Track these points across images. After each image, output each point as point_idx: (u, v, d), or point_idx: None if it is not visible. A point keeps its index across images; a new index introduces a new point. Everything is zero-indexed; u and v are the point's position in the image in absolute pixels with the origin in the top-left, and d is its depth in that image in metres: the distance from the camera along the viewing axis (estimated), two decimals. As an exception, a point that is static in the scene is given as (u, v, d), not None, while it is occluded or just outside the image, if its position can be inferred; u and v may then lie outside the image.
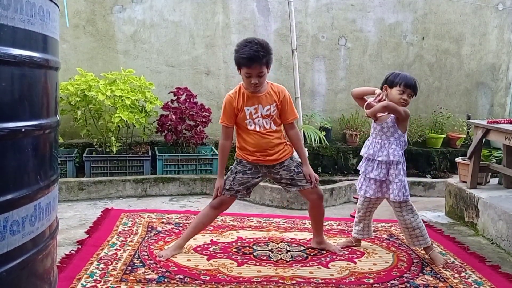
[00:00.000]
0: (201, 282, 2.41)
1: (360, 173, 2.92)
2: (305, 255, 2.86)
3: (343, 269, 2.68)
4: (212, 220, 2.90)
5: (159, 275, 2.46)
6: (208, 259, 2.72)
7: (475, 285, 2.54)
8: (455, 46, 5.83)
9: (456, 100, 5.93)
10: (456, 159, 4.10)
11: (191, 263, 2.65)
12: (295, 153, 2.87)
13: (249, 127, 2.70)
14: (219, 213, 2.88)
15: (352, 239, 3.07)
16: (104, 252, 2.73)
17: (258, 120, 2.70)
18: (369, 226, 3.03)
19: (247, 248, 2.93)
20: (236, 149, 2.82)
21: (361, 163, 2.92)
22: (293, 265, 2.70)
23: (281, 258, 2.79)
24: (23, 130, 1.33)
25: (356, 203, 4.25)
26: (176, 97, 4.56)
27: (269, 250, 2.91)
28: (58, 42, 1.59)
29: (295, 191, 2.85)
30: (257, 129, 2.70)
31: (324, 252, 2.92)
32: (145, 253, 2.74)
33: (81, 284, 2.31)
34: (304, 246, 3.00)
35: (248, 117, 2.68)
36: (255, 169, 2.77)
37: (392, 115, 2.80)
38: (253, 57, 2.51)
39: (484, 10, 5.84)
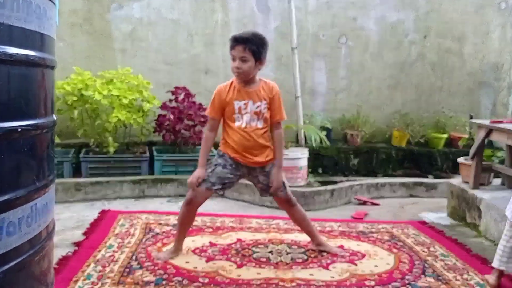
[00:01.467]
0: (200, 284, 2.38)
1: None
2: (305, 257, 2.82)
3: (344, 271, 2.65)
4: (192, 217, 2.79)
5: (157, 277, 2.43)
6: (207, 261, 2.68)
7: (478, 287, 2.52)
8: (457, 45, 5.80)
9: (459, 99, 5.89)
10: (459, 160, 4.06)
11: (189, 265, 2.61)
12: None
13: (236, 122, 2.63)
14: (195, 209, 2.76)
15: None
16: (101, 254, 2.69)
17: (247, 116, 2.62)
18: None
19: (247, 250, 2.90)
20: (220, 142, 2.75)
21: None
22: (293, 267, 2.67)
23: (281, 260, 2.75)
24: (19, 130, 1.32)
25: (358, 204, 4.25)
26: (174, 97, 4.52)
27: (268, 252, 2.87)
28: (55, 40, 1.58)
29: (268, 196, 2.86)
30: (243, 125, 2.63)
31: (325, 253, 2.89)
32: (143, 255, 2.71)
33: (78, 286, 2.28)
34: (304, 248, 2.97)
35: (236, 111, 2.62)
36: (236, 166, 2.68)
37: None
38: (238, 38, 2.54)
39: (486, 9, 5.81)
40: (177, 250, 2.75)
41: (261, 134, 2.66)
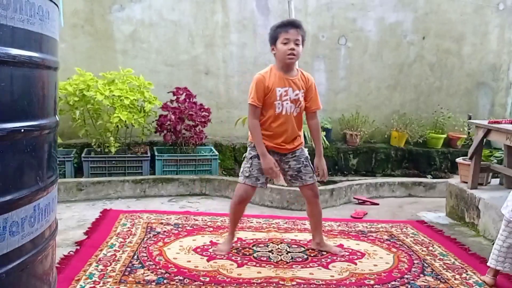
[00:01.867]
0: (201, 283, 2.40)
1: None
2: (305, 256, 2.84)
3: (344, 270, 2.67)
4: (243, 213, 2.91)
5: (159, 276, 2.45)
6: (208, 260, 2.70)
7: (476, 286, 2.54)
8: (456, 45, 5.82)
9: (457, 100, 5.92)
10: (457, 160, 4.08)
11: (190, 264, 2.63)
12: (304, 149, 2.90)
13: (277, 109, 2.67)
14: (245, 205, 2.88)
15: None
16: (103, 253, 2.71)
17: (286, 104, 2.68)
18: None
19: (247, 249, 2.92)
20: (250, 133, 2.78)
21: None
22: (293, 266, 2.68)
23: (281, 259, 2.77)
24: (22, 130, 1.32)
25: (357, 203, 4.27)
26: (175, 97, 4.54)
27: (269, 251, 2.89)
28: (57, 42, 1.58)
29: (297, 185, 2.87)
30: (284, 112, 2.68)
31: (325, 253, 2.91)
32: (144, 254, 2.73)
33: (80, 285, 2.30)
34: (304, 247, 2.99)
35: (278, 98, 2.66)
36: (271, 153, 2.72)
37: None
38: (292, 21, 2.66)
39: (485, 10, 5.83)
40: (232, 239, 2.91)
41: (295, 121, 2.74)
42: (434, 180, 4.91)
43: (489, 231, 3.32)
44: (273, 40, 2.66)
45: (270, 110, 2.68)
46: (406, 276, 2.63)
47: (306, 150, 2.90)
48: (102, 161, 4.30)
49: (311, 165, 2.85)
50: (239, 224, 3.38)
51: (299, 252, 2.91)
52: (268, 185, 4.08)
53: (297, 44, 2.62)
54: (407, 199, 4.54)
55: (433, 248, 3.10)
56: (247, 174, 2.74)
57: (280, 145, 2.73)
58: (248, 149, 2.80)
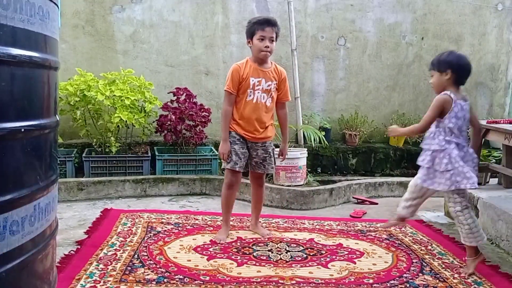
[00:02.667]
0: (201, 282, 2.41)
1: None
2: (305, 255, 2.85)
3: (343, 269, 2.68)
4: (234, 198, 3.13)
5: (159, 275, 2.46)
6: (208, 259, 2.72)
7: (475, 285, 2.54)
8: (455, 46, 5.83)
9: (456, 100, 5.92)
10: (456, 159, 4.08)
11: (191, 263, 2.65)
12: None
13: (248, 97, 2.91)
14: (235, 190, 3.12)
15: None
16: (104, 253, 2.72)
17: (258, 93, 2.92)
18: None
19: (247, 248, 2.93)
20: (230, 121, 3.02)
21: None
22: (293, 265, 2.70)
23: (280, 258, 2.78)
24: (22, 130, 1.32)
25: (355, 203, 4.28)
26: (175, 97, 4.55)
27: (268, 250, 2.90)
28: (58, 42, 1.59)
29: (258, 172, 3.08)
30: (254, 100, 2.92)
31: (324, 252, 2.92)
32: (145, 253, 2.74)
33: (81, 284, 2.31)
34: (303, 246, 3.00)
35: (251, 87, 2.90)
36: (243, 140, 2.99)
37: None
38: (268, 20, 2.87)
39: (483, 10, 5.85)
40: (227, 227, 3.13)
41: (267, 111, 2.98)
42: (433, 180, 4.91)
43: (488, 231, 3.33)
44: (250, 34, 2.89)
45: (243, 97, 2.92)
46: (405, 275, 2.64)
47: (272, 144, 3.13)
48: (102, 161, 4.32)
49: (275, 157, 3.11)
50: (240, 223, 3.40)
51: (298, 251, 2.92)
52: (268, 184, 4.13)
53: (271, 41, 2.87)
54: (406, 198, 4.55)
55: (432, 247, 3.11)
56: (228, 160, 2.99)
57: (252, 133, 2.97)
58: (229, 136, 3.03)
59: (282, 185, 4.21)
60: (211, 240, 3.02)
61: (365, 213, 3.95)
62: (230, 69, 2.94)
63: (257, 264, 2.69)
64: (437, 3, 5.69)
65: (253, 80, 2.90)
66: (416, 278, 2.61)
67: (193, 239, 3.03)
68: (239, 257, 2.77)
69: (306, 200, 4.03)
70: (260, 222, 3.31)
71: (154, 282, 2.37)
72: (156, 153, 4.52)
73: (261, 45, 2.84)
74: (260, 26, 2.83)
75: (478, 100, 6.06)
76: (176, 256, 2.73)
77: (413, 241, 3.22)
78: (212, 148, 4.80)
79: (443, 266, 2.79)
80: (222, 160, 3.05)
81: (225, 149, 2.95)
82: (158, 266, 2.57)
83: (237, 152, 2.96)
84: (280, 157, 3.18)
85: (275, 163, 3.13)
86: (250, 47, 2.93)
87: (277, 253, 2.86)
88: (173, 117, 4.44)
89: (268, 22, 2.85)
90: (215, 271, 2.55)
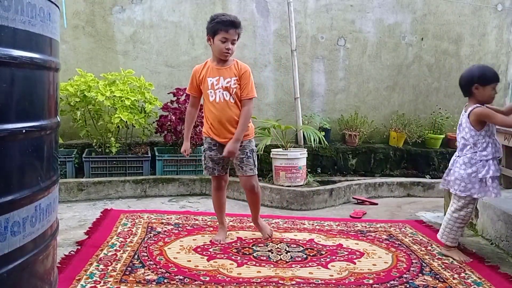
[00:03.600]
0: (201, 282, 2.41)
1: (490, 176, 2.81)
2: (305, 256, 2.86)
3: (343, 270, 2.68)
4: (222, 199, 3.11)
5: (159, 275, 2.46)
6: (208, 260, 2.72)
7: (475, 286, 2.55)
8: (454, 46, 5.84)
9: (455, 100, 5.93)
10: (455, 160, 4.09)
11: (191, 263, 2.65)
12: (253, 140, 3.02)
13: (210, 98, 2.85)
14: (222, 192, 3.09)
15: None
16: (104, 253, 2.72)
17: (219, 91, 2.83)
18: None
19: (247, 248, 2.94)
20: (204, 126, 3.00)
21: (492, 166, 2.82)
22: (293, 265, 2.70)
23: (280, 259, 2.79)
24: (23, 131, 1.33)
25: (356, 203, 4.29)
26: (175, 98, 4.56)
27: (268, 251, 2.91)
28: (59, 43, 1.59)
29: (238, 174, 3.00)
30: (217, 100, 2.84)
31: (324, 252, 2.93)
32: (145, 254, 2.75)
33: (81, 285, 2.31)
34: (303, 247, 3.01)
35: (210, 87, 2.84)
36: (218, 144, 2.92)
37: None
38: (232, 22, 2.76)
39: (483, 11, 5.86)
40: (224, 228, 3.13)
41: (232, 109, 2.85)
42: (433, 180, 4.93)
43: (487, 231, 3.33)
44: (212, 33, 2.79)
45: (206, 99, 2.89)
46: (404, 275, 2.65)
47: (253, 143, 3.01)
48: (103, 161, 4.33)
49: (255, 159, 2.97)
50: (240, 224, 3.40)
51: (298, 251, 2.93)
52: (268, 185, 4.13)
53: (233, 43, 2.80)
54: (405, 199, 4.57)
55: (432, 247, 3.12)
56: (204, 167, 3.00)
57: (224, 136, 2.86)
58: (203, 142, 3.01)
59: (282, 186, 4.22)
60: (211, 241, 3.03)
61: (365, 213, 3.96)
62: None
63: (257, 264, 2.69)
64: (437, 3, 5.70)
65: (210, 80, 2.84)
66: (416, 278, 2.61)
67: (193, 240, 3.03)
68: (239, 258, 2.77)
69: (306, 201, 4.03)
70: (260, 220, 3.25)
71: (154, 283, 2.38)
72: (156, 154, 4.52)
73: (222, 47, 2.76)
74: (224, 28, 2.74)
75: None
76: (176, 257, 2.73)
77: (413, 241, 3.23)
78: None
79: (443, 266, 2.80)
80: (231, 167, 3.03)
81: (184, 148, 3.04)
82: (158, 267, 2.57)
83: (212, 158, 2.94)
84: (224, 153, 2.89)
85: (255, 165, 2.96)
86: (210, 45, 2.84)
87: (277, 254, 2.86)
88: (173, 117, 4.45)
89: (233, 24, 2.76)
90: (215, 272, 2.56)
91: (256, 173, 2.99)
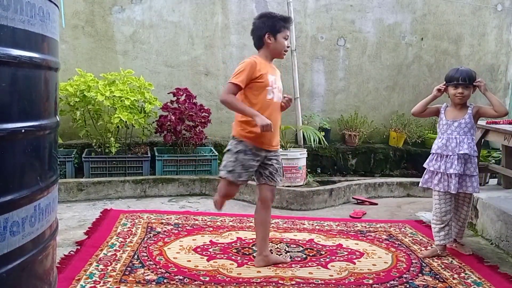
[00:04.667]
0: (201, 283, 2.41)
1: (429, 170, 3.01)
2: (304, 256, 2.86)
3: (343, 270, 2.68)
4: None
5: (159, 276, 2.46)
6: (208, 260, 2.72)
7: (474, 286, 2.55)
8: (454, 46, 5.84)
9: (455, 100, 5.94)
10: (455, 160, 4.09)
11: (191, 263, 2.65)
12: None
13: (268, 95, 2.56)
14: (227, 199, 2.82)
15: (437, 247, 2.97)
16: (103, 253, 2.72)
17: (275, 91, 2.61)
18: (451, 227, 2.99)
19: (247, 248, 2.93)
20: (238, 126, 2.62)
21: (432, 161, 2.99)
22: (293, 265, 2.70)
23: (280, 259, 2.79)
24: (23, 131, 1.33)
25: (356, 203, 4.28)
26: (175, 98, 4.55)
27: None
28: (58, 42, 1.59)
29: (270, 184, 2.67)
30: (275, 99, 2.60)
31: (323, 252, 2.93)
32: (145, 254, 2.74)
33: (81, 285, 2.31)
34: (303, 247, 3.00)
35: (270, 84, 2.57)
36: (256, 151, 2.58)
37: (469, 112, 2.88)
38: (291, 19, 2.72)
39: (483, 11, 5.86)
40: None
41: (280, 112, 2.71)
42: (433, 180, 4.92)
43: (487, 231, 3.33)
44: (274, 30, 2.57)
45: (260, 96, 2.55)
46: (404, 275, 2.65)
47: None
48: (102, 161, 4.32)
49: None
50: (239, 223, 3.40)
51: (298, 251, 2.93)
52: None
53: (287, 40, 2.68)
54: (405, 199, 4.56)
55: (431, 247, 3.11)
56: (230, 169, 2.57)
57: (269, 141, 2.60)
58: (234, 143, 2.61)
59: (282, 186, 4.21)
60: (211, 241, 3.02)
61: (365, 213, 3.95)
62: (245, 62, 2.54)
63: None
64: (436, 3, 5.70)
65: (271, 77, 2.58)
66: (416, 278, 2.61)
67: (193, 240, 3.03)
68: (239, 258, 2.77)
69: (305, 201, 4.03)
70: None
71: (154, 283, 2.37)
72: (156, 154, 4.52)
73: (285, 45, 2.62)
74: (287, 25, 2.63)
75: (478, 100, 6.02)
76: (176, 257, 2.73)
77: (413, 241, 3.22)
78: (212, 148, 4.80)
79: (443, 266, 2.80)
80: (220, 168, 2.65)
81: (265, 120, 2.43)
82: (158, 267, 2.57)
83: (244, 164, 2.56)
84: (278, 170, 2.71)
85: (281, 176, 2.74)
86: (268, 43, 2.59)
87: (276, 254, 2.86)
88: (173, 117, 4.45)
89: (291, 22, 2.72)
90: (215, 272, 2.56)
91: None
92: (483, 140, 3.69)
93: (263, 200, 2.69)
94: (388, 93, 5.76)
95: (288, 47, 2.68)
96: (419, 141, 5.58)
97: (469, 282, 2.59)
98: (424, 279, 2.61)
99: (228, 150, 2.65)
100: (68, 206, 3.76)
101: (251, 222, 3.46)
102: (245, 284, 2.42)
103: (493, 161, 3.97)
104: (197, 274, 2.51)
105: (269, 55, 2.65)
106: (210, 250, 2.87)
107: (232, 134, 2.66)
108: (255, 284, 2.43)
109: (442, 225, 2.92)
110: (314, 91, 5.55)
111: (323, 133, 4.85)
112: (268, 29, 2.58)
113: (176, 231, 3.18)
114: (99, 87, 4.19)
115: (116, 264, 2.57)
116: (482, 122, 3.75)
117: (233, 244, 2.99)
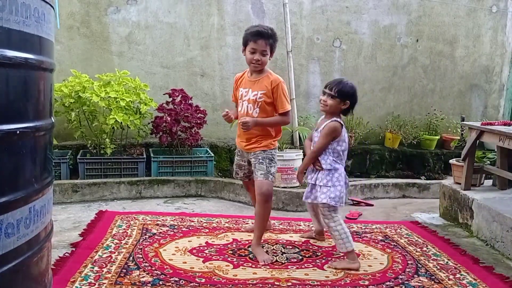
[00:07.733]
0: (197, 284, 2.41)
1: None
2: (300, 257, 2.86)
3: (338, 271, 2.68)
4: (253, 200, 3.10)
5: (154, 277, 2.45)
6: (203, 261, 2.71)
7: (470, 286, 2.56)
8: (449, 48, 5.87)
9: (450, 102, 5.96)
10: (450, 161, 4.12)
11: (186, 265, 2.64)
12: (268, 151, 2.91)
13: (239, 108, 2.92)
14: (252, 194, 3.15)
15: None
16: (99, 255, 2.71)
17: (245, 103, 2.87)
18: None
19: (243, 250, 2.93)
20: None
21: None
22: (289, 267, 2.70)
23: (276, 260, 2.79)
24: (17, 132, 1.32)
25: (351, 204, 4.29)
26: (171, 99, 4.54)
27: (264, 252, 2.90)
28: (53, 43, 1.58)
29: (256, 179, 2.85)
30: (243, 111, 2.88)
31: (319, 254, 2.93)
32: (140, 256, 2.73)
33: (76, 287, 2.30)
34: (299, 248, 3.00)
35: (240, 97, 2.92)
36: (242, 153, 3.05)
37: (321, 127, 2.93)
38: (261, 32, 2.74)
39: (478, 13, 5.89)
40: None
41: None
42: (428, 181, 4.94)
43: (482, 232, 3.35)
44: (244, 43, 2.83)
45: (239, 107, 2.94)
46: (400, 276, 2.65)
47: (270, 155, 2.88)
48: (97, 162, 4.30)
49: (268, 166, 2.84)
50: (235, 225, 3.40)
51: (294, 253, 2.93)
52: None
53: (264, 54, 2.76)
54: (401, 200, 4.58)
55: (427, 248, 3.12)
56: (234, 168, 3.18)
57: (242, 142, 2.95)
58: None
59: (278, 187, 4.21)
60: (206, 242, 3.02)
61: (361, 214, 3.96)
62: None
63: (253, 266, 2.69)
64: (432, 5, 5.72)
65: (241, 91, 2.91)
66: (412, 279, 2.62)
67: (189, 241, 3.02)
68: (235, 259, 2.77)
69: (301, 202, 4.02)
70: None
71: (150, 285, 2.37)
72: (151, 155, 4.50)
73: (250, 57, 2.77)
74: (253, 38, 2.74)
75: (473, 102, 6.10)
76: (172, 258, 2.72)
77: (409, 242, 3.23)
78: (208, 149, 4.79)
79: (438, 267, 2.81)
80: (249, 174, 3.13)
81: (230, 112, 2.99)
82: (153, 268, 2.56)
83: (237, 164, 3.13)
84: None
85: (268, 171, 2.83)
86: (244, 56, 2.86)
87: (272, 255, 2.85)
88: (169, 118, 4.43)
89: (261, 35, 2.72)
90: (210, 273, 2.55)
91: (269, 179, 2.83)
92: (478, 141, 3.71)
93: (255, 194, 2.89)
94: (383, 94, 5.77)
95: (256, 60, 2.75)
96: (415, 142, 5.59)
97: (465, 283, 2.60)
98: (420, 280, 2.62)
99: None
100: (63, 207, 3.75)
101: (247, 223, 3.46)
102: (241, 286, 2.42)
103: (488, 162, 3.98)
104: (192, 275, 2.51)
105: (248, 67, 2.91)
106: (206, 251, 2.87)
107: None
108: (251, 285, 2.43)
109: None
110: (310, 92, 5.55)
111: (319, 134, 4.84)
112: (242, 42, 2.85)
113: (172, 233, 3.17)
114: (94, 88, 4.18)
115: (111, 266, 2.56)
116: (477, 123, 3.77)
117: (229, 246, 2.99)
